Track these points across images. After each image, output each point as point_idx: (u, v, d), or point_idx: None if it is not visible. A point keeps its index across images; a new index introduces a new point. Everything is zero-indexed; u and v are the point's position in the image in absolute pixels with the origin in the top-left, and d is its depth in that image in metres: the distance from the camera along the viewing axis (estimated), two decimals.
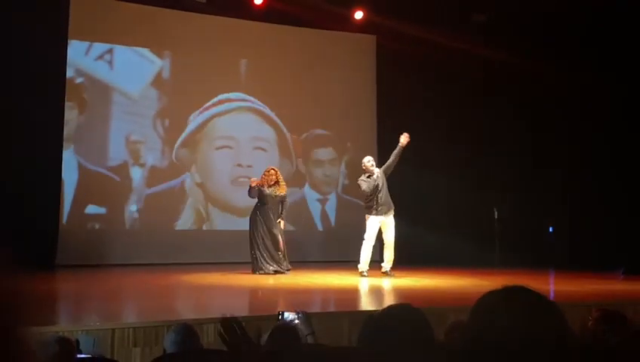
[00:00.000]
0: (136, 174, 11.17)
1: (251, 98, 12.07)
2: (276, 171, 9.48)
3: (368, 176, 9.05)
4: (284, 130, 12.26)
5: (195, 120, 11.71)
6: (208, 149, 11.84)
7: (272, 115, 12.17)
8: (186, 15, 11.32)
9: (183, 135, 11.65)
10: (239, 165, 11.90)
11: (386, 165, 9.12)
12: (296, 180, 11.96)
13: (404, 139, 9.01)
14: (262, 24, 11.72)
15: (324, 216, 12.39)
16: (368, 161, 9.12)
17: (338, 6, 11.36)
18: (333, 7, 11.27)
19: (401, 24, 11.32)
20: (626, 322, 3.76)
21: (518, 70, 11.20)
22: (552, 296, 7.31)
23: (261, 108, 12.12)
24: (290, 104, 12.10)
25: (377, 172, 9.02)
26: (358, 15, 11.72)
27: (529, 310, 1.22)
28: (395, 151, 9.09)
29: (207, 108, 11.79)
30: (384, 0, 11.35)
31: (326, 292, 7.50)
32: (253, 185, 9.29)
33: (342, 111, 12.34)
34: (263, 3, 11.04)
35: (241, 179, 11.46)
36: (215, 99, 11.86)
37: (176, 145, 11.56)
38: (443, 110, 11.96)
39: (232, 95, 11.98)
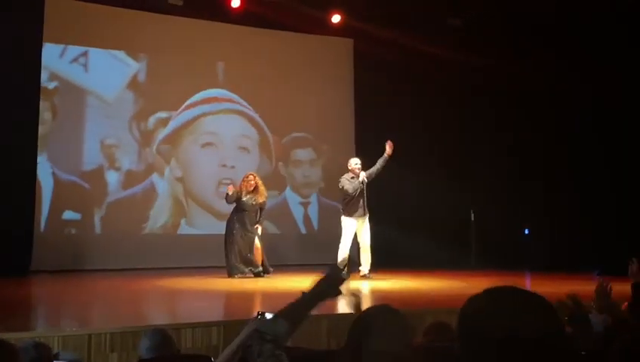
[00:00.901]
0: (112, 178, 11.06)
1: (235, 97, 12.06)
2: (255, 177, 9.42)
3: (352, 178, 9.06)
4: (267, 130, 12.27)
5: (179, 116, 11.67)
6: (191, 145, 11.81)
7: (256, 116, 12.16)
8: (162, 18, 11.24)
9: (167, 130, 11.59)
10: (224, 165, 11.89)
11: (370, 171, 9.15)
12: (276, 183, 11.94)
13: (389, 148, 9.05)
14: (239, 27, 11.69)
15: (306, 219, 12.39)
16: (356, 164, 9.17)
17: (315, 10, 11.39)
18: (310, 11, 11.30)
19: (377, 28, 11.38)
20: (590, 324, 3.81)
21: (495, 72, 11.32)
22: None
23: (245, 109, 12.11)
24: (269, 106, 12.09)
25: (362, 176, 9.03)
26: (336, 19, 11.75)
27: (520, 309, 1.22)
28: (381, 160, 9.14)
29: (192, 106, 11.75)
30: (361, 4, 11.39)
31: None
32: (230, 192, 9.24)
33: (320, 113, 12.36)
34: (240, 6, 11.02)
35: (225, 181, 11.30)
36: (198, 97, 11.83)
37: (157, 140, 11.48)
38: (420, 112, 12.03)
39: (213, 92, 11.94)
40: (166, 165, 11.56)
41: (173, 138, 11.68)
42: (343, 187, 9.10)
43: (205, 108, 11.93)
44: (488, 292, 1.27)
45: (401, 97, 11.97)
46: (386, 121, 11.89)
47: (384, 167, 9.20)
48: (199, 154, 11.89)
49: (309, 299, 2.14)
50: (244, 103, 12.14)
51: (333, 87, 12.48)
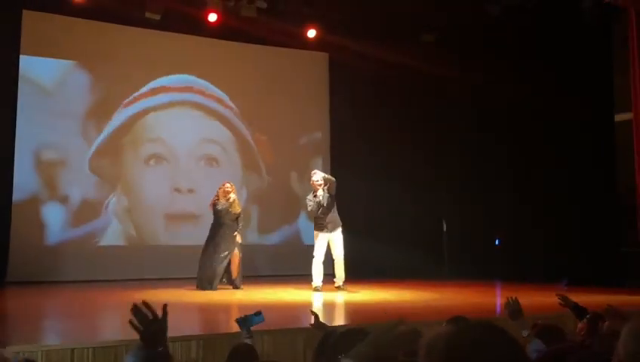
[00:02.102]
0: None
1: (201, 84, 11.79)
2: (232, 186, 9.48)
3: (314, 196, 9.15)
4: (244, 130, 12.16)
5: (118, 116, 11.17)
6: (134, 160, 11.34)
7: (227, 111, 12.01)
8: (139, 31, 11.30)
9: (100, 138, 10.96)
10: (177, 190, 11.39)
11: (327, 187, 9.09)
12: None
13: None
14: (216, 41, 11.80)
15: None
16: (316, 180, 9.12)
17: (291, 24, 11.55)
18: (286, 26, 11.48)
19: (352, 42, 11.59)
20: (564, 336, 4.00)
21: (466, 84, 11.60)
22: (498, 309, 7.60)
23: (212, 103, 11.92)
24: (242, 119, 12.20)
25: (320, 194, 9.05)
26: (311, 33, 11.93)
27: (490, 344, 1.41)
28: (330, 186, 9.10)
29: (134, 100, 11.32)
30: (336, 19, 11.59)
31: (280, 309, 7.59)
32: (210, 208, 9.34)
33: (294, 126, 12.51)
34: (217, 20, 11.15)
35: (179, 215, 11.18)
36: (146, 88, 11.39)
37: (90, 152, 10.87)
38: (394, 124, 12.24)
39: (171, 79, 11.54)
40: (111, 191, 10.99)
41: (110, 149, 11.06)
42: (307, 206, 9.24)
43: (150, 102, 11.37)
44: (474, 327, 1.45)
45: (376, 110, 12.19)
46: (361, 134, 12.12)
47: (332, 188, 9.10)
48: (144, 172, 11.31)
49: None
50: (217, 92, 11.88)
51: (309, 100, 12.64)
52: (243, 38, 11.82)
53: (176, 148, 11.50)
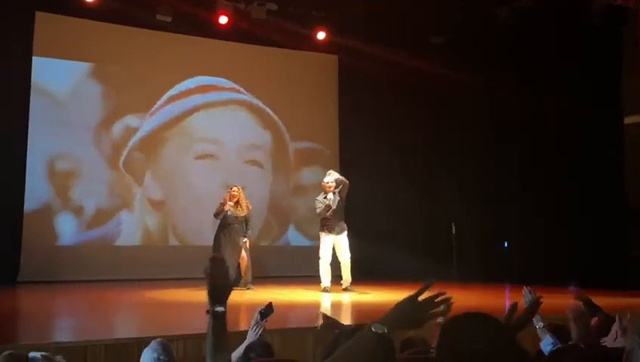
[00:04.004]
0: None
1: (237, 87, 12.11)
2: (239, 189, 9.58)
3: (324, 197, 9.21)
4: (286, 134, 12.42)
5: (155, 116, 11.47)
6: (178, 156, 11.63)
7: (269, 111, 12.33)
8: (150, 33, 11.39)
9: (138, 135, 11.33)
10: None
11: (339, 198, 9.17)
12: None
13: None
14: (226, 43, 11.88)
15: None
16: (326, 182, 9.19)
17: (301, 27, 11.63)
18: (296, 28, 11.55)
19: (362, 44, 11.63)
20: (570, 337, 4.04)
21: (477, 87, 11.61)
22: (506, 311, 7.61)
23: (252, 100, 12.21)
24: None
25: (330, 197, 9.10)
26: (321, 35, 11.98)
27: (488, 335, 1.49)
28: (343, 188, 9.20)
29: (176, 98, 11.65)
30: (346, 22, 11.64)
31: (289, 308, 7.65)
32: (226, 208, 9.34)
33: (304, 129, 12.56)
34: (228, 23, 11.22)
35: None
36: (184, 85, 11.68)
37: (125, 151, 11.20)
38: (403, 126, 12.28)
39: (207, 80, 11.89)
40: (137, 185, 11.32)
41: (147, 144, 11.43)
42: (315, 207, 9.27)
43: (199, 99, 11.80)
44: (466, 317, 1.53)
45: (385, 112, 12.23)
46: (370, 136, 12.17)
47: (343, 191, 9.22)
48: (190, 167, 11.75)
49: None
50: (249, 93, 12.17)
51: (318, 103, 12.69)
52: (253, 40, 11.89)
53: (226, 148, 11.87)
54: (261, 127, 12.30)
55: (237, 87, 12.12)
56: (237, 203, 9.42)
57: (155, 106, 11.51)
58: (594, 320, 4.31)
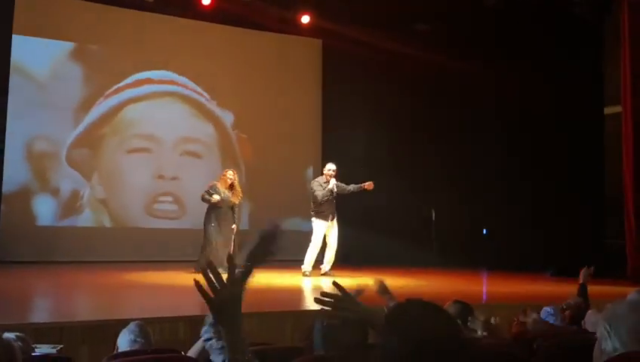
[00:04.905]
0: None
1: (183, 80, 11.74)
2: (234, 173, 9.37)
3: (325, 183, 9.25)
4: (228, 126, 12.17)
5: (98, 107, 11.09)
6: (117, 151, 11.31)
7: (212, 105, 11.98)
8: (133, 13, 11.26)
9: (80, 128, 10.93)
10: (161, 177, 11.44)
11: (341, 186, 9.35)
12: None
13: (368, 187, 9.35)
14: (209, 24, 11.78)
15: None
16: (329, 170, 9.30)
17: (285, 10, 11.56)
18: (280, 11, 11.48)
19: (346, 29, 11.59)
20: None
21: (459, 72, 11.61)
22: (484, 297, 7.70)
23: (196, 96, 11.88)
24: (234, 105, 12.20)
25: (333, 183, 9.22)
26: (305, 19, 11.92)
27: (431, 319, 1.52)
28: (355, 187, 9.40)
29: (117, 91, 11.23)
30: (330, 6, 11.58)
31: (268, 292, 7.64)
32: (216, 198, 9.01)
33: (287, 112, 12.51)
34: (210, 4, 11.12)
35: (162, 200, 11.22)
36: (130, 79, 11.29)
37: (67, 143, 10.82)
38: (385, 112, 12.27)
39: (154, 74, 11.49)
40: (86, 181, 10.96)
41: (90, 140, 11.02)
42: (314, 192, 9.26)
43: (144, 89, 11.32)
44: (411, 304, 1.59)
45: (368, 97, 12.21)
46: (353, 121, 12.15)
47: (352, 193, 9.44)
48: (126, 163, 11.26)
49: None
50: (197, 89, 11.81)
51: (301, 87, 12.64)
52: (236, 22, 11.79)
53: (160, 140, 11.46)
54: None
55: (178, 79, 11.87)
56: (232, 187, 9.24)
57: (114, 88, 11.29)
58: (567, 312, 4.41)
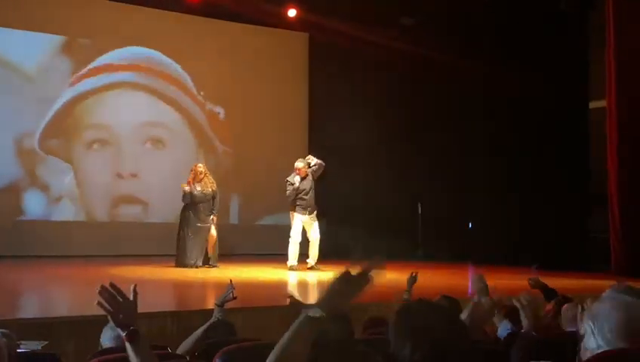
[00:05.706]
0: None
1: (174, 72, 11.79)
2: (204, 166, 9.55)
3: (294, 177, 9.31)
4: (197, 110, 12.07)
5: (64, 95, 10.97)
6: (80, 146, 11.15)
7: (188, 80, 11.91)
8: (116, 6, 11.19)
9: (46, 118, 10.76)
10: (119, 175, 11.31)
11: (313, 170, 9.37)
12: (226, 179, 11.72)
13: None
14: (195, 17, 11.73)
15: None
16: (296, 167, 9.37)
17: (272, 3, 11.53)
18: (267, 5, 11.45)
19: (333, 22, 11.58)
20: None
21: (444, 66, 11.63)
22: (469, 290, 7.72)
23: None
24: (221, 98, 12.16)
25: (297, 180, 9.26)
26: (292, 13, 11.90)
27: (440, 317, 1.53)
28: (316, 163, 9.36)
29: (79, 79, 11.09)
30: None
31: (255, 287, 7.65)
32: (187, 189, 9.21)
33: (273, 106, 12.48)
34: None
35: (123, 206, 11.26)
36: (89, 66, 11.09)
37: (37, 133, 10.67)
38: (371, 106, 12.27)
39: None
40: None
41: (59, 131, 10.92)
42: (286, 188, 9.35)
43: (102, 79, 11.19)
44: (421, 304, 1.55)
45: (354, 91, 12.21)
46: (340, 114, 12.14)
47: (321, 166, 9.40)
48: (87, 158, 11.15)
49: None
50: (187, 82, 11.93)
51: (288, 80, 12.62)
52: (223, 15, 11.75)
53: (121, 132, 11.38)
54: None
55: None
56: (202, 180, 9.32)
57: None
58: (550, 305, 4.37)
